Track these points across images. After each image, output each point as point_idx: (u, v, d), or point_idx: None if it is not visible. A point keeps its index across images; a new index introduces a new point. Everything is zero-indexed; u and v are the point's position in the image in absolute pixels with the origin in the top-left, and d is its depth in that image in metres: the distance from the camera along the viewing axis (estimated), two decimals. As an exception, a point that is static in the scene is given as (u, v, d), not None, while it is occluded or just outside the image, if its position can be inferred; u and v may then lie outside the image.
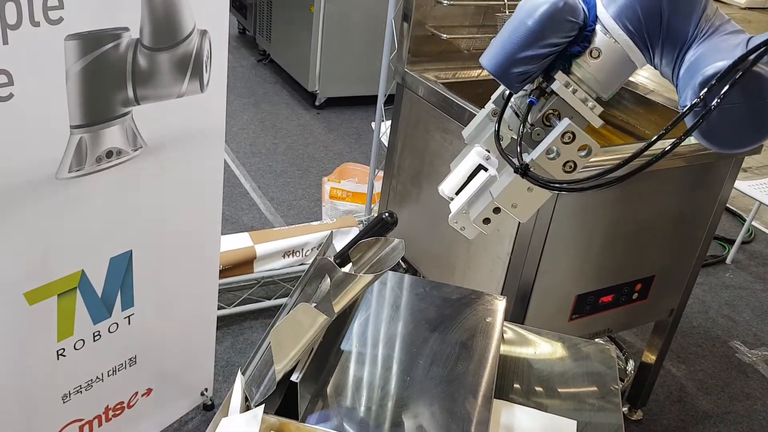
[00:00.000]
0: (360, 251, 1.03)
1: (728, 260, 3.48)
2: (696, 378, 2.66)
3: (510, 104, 0.99)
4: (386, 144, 2.37)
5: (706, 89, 0.81)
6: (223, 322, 2.48)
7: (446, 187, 1.02)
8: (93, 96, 1.35)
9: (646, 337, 2.36)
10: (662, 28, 0.88)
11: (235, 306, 2.49)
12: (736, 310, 3.10)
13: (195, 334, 1.92)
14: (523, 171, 0.92)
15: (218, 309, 2.14)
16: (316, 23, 4.33)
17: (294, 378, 0.91)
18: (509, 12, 2.04)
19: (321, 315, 0.91)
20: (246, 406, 0.90)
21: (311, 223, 2.69)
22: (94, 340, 1.58)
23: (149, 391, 1.82)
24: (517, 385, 1.14)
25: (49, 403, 1.55)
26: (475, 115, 1.06)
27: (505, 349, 1.21)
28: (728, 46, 0.83)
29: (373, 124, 2.89)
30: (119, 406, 1.75)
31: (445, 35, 2.00)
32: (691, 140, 1.90)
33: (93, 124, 1.38)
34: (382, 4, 3.87)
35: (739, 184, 3.01)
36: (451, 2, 1.99)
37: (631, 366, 2.30)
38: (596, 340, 2.24)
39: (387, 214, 1.05)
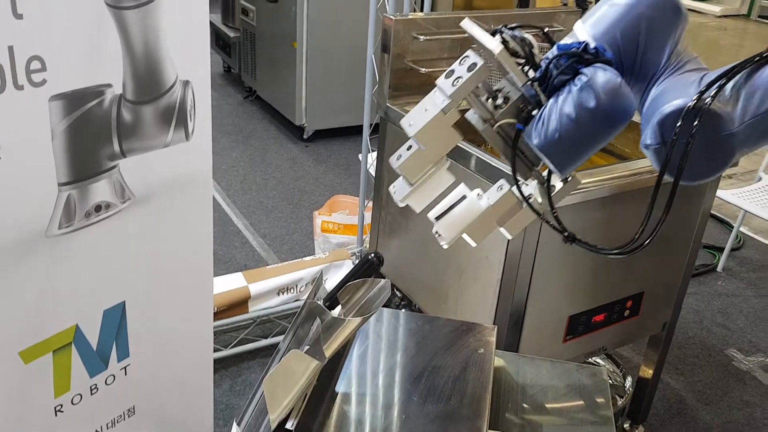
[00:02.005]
0: (348, 293, 1.05)
1: (719, 268, 3.51)
2: (695, 389, 2.67)
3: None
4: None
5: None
6: (220, 365, 2.48)
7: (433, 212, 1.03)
8: (79, 152, 1.37)
9: (643, 351, 2.38)
10: (637, 57, 0.91)
11: (231, 347, 2.50)
12: (730, 318, 3.13)
13: (192, 379, 1.92)
14: (573, 239, 1.02)
15: (215, 351, 2.15)
16: (299, 58, 4.39)
17: (289, 425, 0.93)
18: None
19: (313, 360, 0.93)
20: (243, 456, 0.91)
21: (304, 259, 2.71)
22: (92, 394, 1.59)
23: (150, 439, 1.82)
24: (511, 415, 1.15)
25: (50, 459, 1.55)
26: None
27: (498, 378, 1.22)
28: (685, 83, 0.86)
29: (360, 156, 2.93)
30: (120, 456, 1.74)
31: (423, 69, 2.04)
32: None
33: (80, 180, 1.39)
34: (362, 37, 3.93)
35: (723, 193, 3.05)
36: (428, 38, 2.03)
37: (629, 382, 2.32)
38: (593, 358, 2.26)
39: (373, 255, 1.07)
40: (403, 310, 1.35)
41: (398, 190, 1.02)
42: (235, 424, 0.94)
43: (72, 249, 1.42)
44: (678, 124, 0.83)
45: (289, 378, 0.92)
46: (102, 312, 1.54)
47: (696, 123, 0.82)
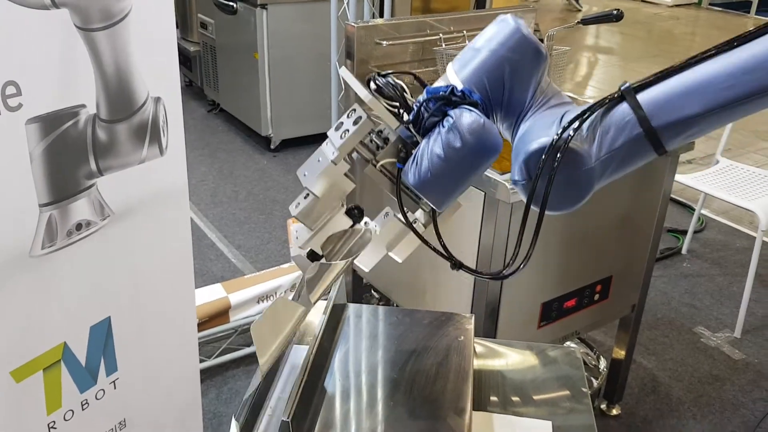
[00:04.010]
0: (331, 243, 1.07)
1: (683, 250, 3.63)
2: (666, 367, 2.77)
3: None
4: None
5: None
6: (205, 375, 2.51)
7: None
8: (58, 173, 1.40)
9: (615, 334, 2.47)
10: (504, 97, 0.98)
11: (215, 357, 2.52)
12: (697, 297, 3.24)
13: (180, 390, 1.95)
14: (459, 266, 1.06)
15: (199, 362, 2.18)
16: (261, 69, 4.43)
17: (285, 417, 0.97)
18: (446, 45, 2.15)
19: (299, 307, 0.97)
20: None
21: (281, 266, 2.75)
22: (83, 409, 1.61)
23: (141, 451, 1.85)
24: (493, 397, 1.21)
25: (45, 476, 1.57)
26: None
27: (478, 363, 1.29)
28: (547, 122, 0.94)
29: (329, 162, 2.97)
30: (114, 470, 1.77)
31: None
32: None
33: (60, 200, 1.42)
34: (323, 45, 3.99)
35: (683, 177, 3.16)
36: (390, 43, 2.09)
37: (603, 364, 2.40)
38: (567, 343, 2.33)
39: (354, 208, 1.10)
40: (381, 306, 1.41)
41: (300, 235, 1.07)
42: (233, 420, 0.99)
43: (56, 268, 1.45)
44: (541, 161, 0.90)
45: (275, 325, 0.96)
46: (88, 328, 1.57)
47: (557, 160, 0.89)
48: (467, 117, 0.92)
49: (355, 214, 1.10)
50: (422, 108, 0.96)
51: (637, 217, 2.09)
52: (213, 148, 4.72)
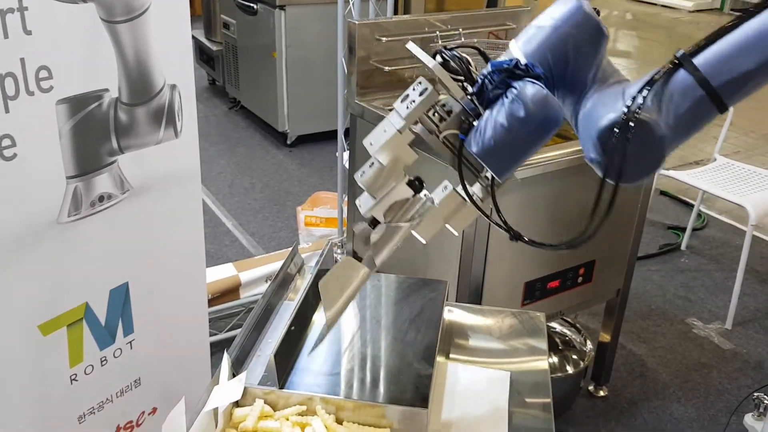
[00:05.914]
0: (393, 212, 1.11)
1: (683, 246, 3.73)
2: (656, 354, 2.89)
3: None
4: (349, 170, 2.60)
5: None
6: (216, 348, 2.67)
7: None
8: (83, 149, 1.57)
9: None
10: (567, 72, 1.02)
11: (226, 331, 2.69)
12: (692, 291, 3.35)
13: (191, 356, 2.11)
14: (518, 238, 1.12)
15: (211, 335, 2.35)
16: (279, 68, 4.61)
17: (271, 353, 1.13)
18: (441, 42, 2.30)
19: (362, 267, 1.09)
20: (233, 375, 1.11)
21: (289, 249, 2.91)
22: (102, 365, 1.79)
23: (155, 409, 2.02)
24: (459, 348, 1.36)
25: (67, 424, 1.74)
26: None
27: (449, 321, 1.43)
28: (612, 97, 0.99)
29: (338, 154, 3.14)
30: (129, 424, 1.94)
31: (387, 68, 2.25)
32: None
33: (85, 174, 1.60)
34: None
35: (679, 174, 3.27)
36: (389, 39, 2.25)
37: (589, 347, 2.52)
38: (551, 322, 2.46)
39: (415, 179, 1.14)
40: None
41: (363, 203, 1.13)
42: (225, 354, 1.14)
43: (80, 235, 1.62)
44: (615, 136, 0.93)
45: (341, 283, 1.10)
46: (108, 291, 1.74)
47: (630, 133, 0.92)
48: (531, 88, 0.97)
49: (416, 185, 1.13)
50: (486, 80, 0.98)
51: (621, 206, 2.22)
52: (233, 143, 4.92)
